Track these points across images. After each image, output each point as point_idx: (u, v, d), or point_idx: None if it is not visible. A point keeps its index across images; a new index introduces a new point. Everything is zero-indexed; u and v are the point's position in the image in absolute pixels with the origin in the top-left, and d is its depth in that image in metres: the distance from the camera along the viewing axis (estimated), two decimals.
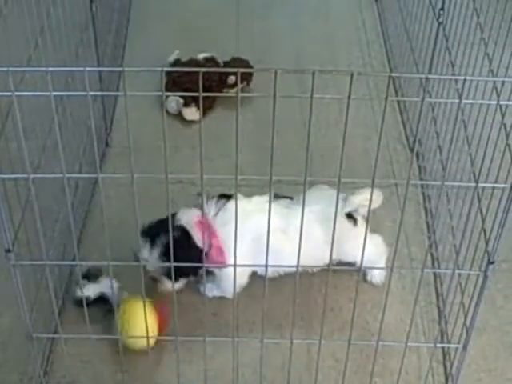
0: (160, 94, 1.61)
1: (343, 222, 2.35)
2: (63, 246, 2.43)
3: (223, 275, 2.35)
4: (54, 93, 1.56)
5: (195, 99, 3.19)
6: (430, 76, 1.61)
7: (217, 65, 3.38)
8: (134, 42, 3.68)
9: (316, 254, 2.13)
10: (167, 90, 3.19)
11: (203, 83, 1.52)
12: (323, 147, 3.00)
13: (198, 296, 2.45)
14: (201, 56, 3.44)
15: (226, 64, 3.35)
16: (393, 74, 1.58)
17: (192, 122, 3.21)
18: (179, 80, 3.20)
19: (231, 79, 3.27)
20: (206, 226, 2.27)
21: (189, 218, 2.30)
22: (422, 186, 2.93)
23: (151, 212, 2.64)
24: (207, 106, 3.26)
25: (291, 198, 2.41)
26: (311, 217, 2.19)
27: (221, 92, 3.27)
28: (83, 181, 2.74)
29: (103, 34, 3.04)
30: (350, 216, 2.40)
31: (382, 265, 2.49)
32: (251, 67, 3.29)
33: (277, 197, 2.37)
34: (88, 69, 1.54)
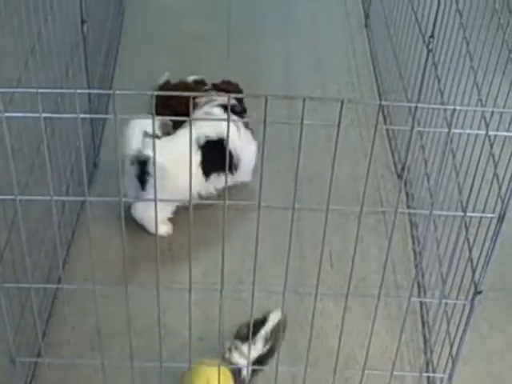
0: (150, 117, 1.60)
1: None
2: (49, 267, 2.41)
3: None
4: (44, 114, 1.55)
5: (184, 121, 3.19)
6: (419, 105, 1.61)
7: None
8: (125, 62, 3.68)
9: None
10: (156, 111, 3.17)
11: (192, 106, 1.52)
12: (311, 172, 3.00)
13: (184, 318, 2.42)
14: (190, 78, 3.44)
15: (216, 87, 3.34)
16: (383, 103, 1.59)
17: None
18: (168, 102, 3.19)
19: None
20: None
21: None
22: (409, 213, 2.93)
23: (137, 233, 2.64)
24: None
25: None
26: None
27: None
28: (70, 201, 2.72)
29: (94, 55, 3.04)
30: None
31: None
32: (241, 90, 3.28)
33: None
34: (79, 91, 1.54)
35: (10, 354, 1.98)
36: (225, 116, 2.87)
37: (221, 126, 2.80)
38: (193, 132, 2.46)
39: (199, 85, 3.38)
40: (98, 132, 3.13)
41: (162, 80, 3.44)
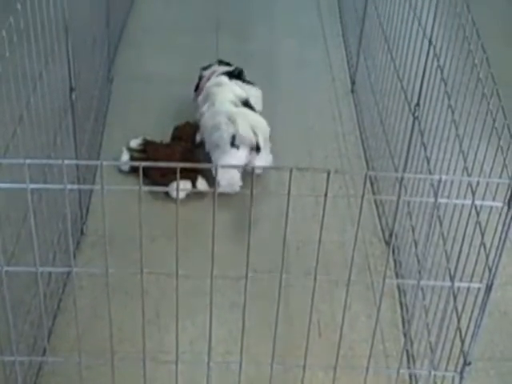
0: (137, 188, 1.60)
1: None
2: (34, 337, 2.37)
3: None
4: (31, 185, 1.55)
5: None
6: (405, 175, 1.62)
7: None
8: (113, 128, 3.69)
9: None
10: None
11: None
12: (299, 239, 3.00)
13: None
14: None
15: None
16: (369, 173, 1.59)
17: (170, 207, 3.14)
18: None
19: None
20: None
21: None
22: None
23: (124, 303, 2.62)
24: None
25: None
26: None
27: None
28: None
29: (82, 122, 3.05)
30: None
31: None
32: None
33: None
34: (66, 162, 1.54)
35: None
36: (231, 82, 3.49)
37: (242, 88, 3.49)
38: (228, 97, 3.36)
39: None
40: (85, 199, 3.12)
41: (134, 143, 3.43)
